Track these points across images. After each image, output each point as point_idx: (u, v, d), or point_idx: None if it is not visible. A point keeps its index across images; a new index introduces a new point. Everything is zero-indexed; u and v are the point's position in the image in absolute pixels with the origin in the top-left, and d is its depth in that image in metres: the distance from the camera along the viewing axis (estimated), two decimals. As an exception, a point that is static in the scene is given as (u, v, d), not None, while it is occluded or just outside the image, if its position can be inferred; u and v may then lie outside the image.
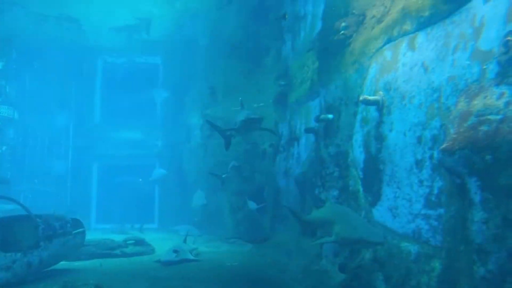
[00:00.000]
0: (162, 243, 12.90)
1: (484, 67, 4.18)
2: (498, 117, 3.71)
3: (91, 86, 21.43)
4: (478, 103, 4.03)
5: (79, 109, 20.87)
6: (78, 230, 9.46)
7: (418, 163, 5.32)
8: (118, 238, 12.25)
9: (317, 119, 7.92)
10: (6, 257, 7.35)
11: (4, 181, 16.21)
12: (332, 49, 7.93)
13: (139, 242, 12.02)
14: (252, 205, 12.03)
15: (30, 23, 16.30)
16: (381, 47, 6.55)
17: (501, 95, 3.80)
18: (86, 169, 20.72)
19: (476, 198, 3.83)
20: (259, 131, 9.85)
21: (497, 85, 3.91)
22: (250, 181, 13.89)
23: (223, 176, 12.28)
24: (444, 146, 4.18)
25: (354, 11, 7.66)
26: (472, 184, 3.87)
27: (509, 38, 3.81)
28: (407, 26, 5.81)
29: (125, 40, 18.37)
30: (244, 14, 14.79)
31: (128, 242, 11.84)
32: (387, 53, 6.34)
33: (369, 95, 6.49)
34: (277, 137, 10.87)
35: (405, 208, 5.55)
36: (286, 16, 10.74)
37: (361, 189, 6.90)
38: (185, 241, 11.02)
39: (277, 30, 13.16)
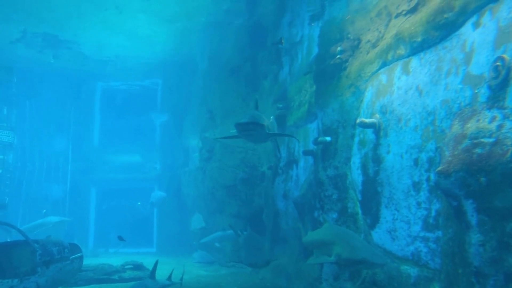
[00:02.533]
0: (161, 268, 12.73)
1: (476, 91, 4.29)
2: (491, 140, 3.79)
3: (90, 110, 21.60)
4: (471, 126, 4.11)
5: (78, 133, 20.97)
6: (75, 255, 9.38)
7: (416, 185, 5.37)
8: (116, 262, 12.11)
9: (315, 142, 7.99)
10: (2, 284, 7.26)
11: (2, 206, 16.11)
12: (329, 73, 8.09)
13: (137, 266, 11.88)
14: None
15: (30, 50, 16.56)
16: (376, 71, 6.70)
17: (493, 119, 3.89)
18: (85, 193, 20.65)
19: (473, 220, 3.87)
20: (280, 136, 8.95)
21: (489, 108, 4.01)
22: (248, 203, 13.84)
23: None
24: (440, 168, 4.23)
25: (349, 36, 7.85)
26: (468, 206, 3.91)
27: (498, 63, 3.93)
28: (401, 51, 5.96)
29: (124, 64, 18.62)
30: (242, 38, 15.07)
31: (126, 267, 11.70)
32: (382, 76, 6.47)
33: (366, 118, 6.60)
34: (297, 141, 10.54)
35: (403, 230, 5.56)
36: (283, 41, 10.96)
37: (360, 211, 6.91)
38: (152, 276, 9.05)
39: (274, 54, 13.39)
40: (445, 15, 4.95)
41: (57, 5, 13.19)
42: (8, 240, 10.11)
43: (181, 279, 9.17)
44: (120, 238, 9.62)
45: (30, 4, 13.14)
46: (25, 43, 16.03)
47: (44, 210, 17.25)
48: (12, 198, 17.72)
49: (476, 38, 4.42)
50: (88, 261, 11.53)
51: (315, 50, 9.66)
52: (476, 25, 4.47)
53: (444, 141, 4.61)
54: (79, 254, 9.53)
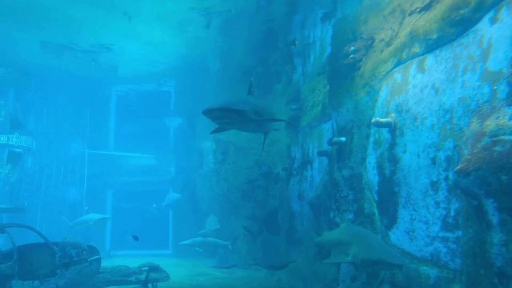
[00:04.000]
0: (177, 269, 12.85)
1: (495, 87, 4.21)
2: (512, 137, 3.71)
3: (105, 114, 21.90)
4: (490, 124, 4.03)
5: (94, 137, 21.27)
6: (93, 257, 9.50)
7: (434, 185, 5.29)
8: (132, 264, 12.23)
9: (330, 142, 7.95)
10: (23, 285, 7.41)
11: (21, 209, 16.43)
12: (342, 73, 8.04)
13: (153, 268, 11.97)
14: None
15: (47, 57, 16.88)
16: (391, 70, 6.63)
17: (513, 115, 3.81)
18: (101, 195, 20.92)
19: (494, 220, 3.79)
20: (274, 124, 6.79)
21: (509, 105, 3.93)
22: (263, 205, 13.84)
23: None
24: (458, 167, 4.16)
25: (362, 35, 7.79)
26: (489, 206, 3.83)
27: (518, 59, 3.85)
28: (416, 49, 5.89)
29: (138, 69, 18.83)
30: (254, 40, 15.09)
31: (143, 268, 11.80)
32: (397, 75, 6.41)
33: (381, 117, 6.54)
34: (295, 128, 10.13)
35: (422, 230, 5.48)
36: (296, 42, 10.93)
37: (376, 212, 6.84)
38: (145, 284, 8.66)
39: (287, 55, 13.37)
40: (461, 11, 4.88)
41: (73, 14, 13.44)
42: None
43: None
44: (135, 237, 9.69)
45: (47, 13, 13.41)
46: (43, 50, 16.36)
47: (87, 207, 17.79)
48: (31, 202, 18.05)
49: (494, 33, 4.34)
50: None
51: (328, 50, 9.61)
52: (493, 20, 4.39)
53: (462, 139, 4.53)
54: (97, 256, 9.65)
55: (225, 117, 5.47)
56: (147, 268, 12.01)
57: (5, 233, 8.06)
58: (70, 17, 13.67)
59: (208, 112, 5.40)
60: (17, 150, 17.61)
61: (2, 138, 17.35)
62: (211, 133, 6.82)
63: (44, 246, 8.37)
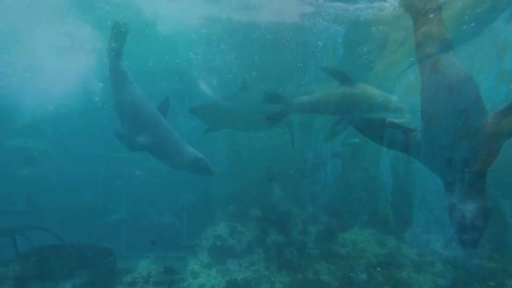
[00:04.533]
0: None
1: (511, 87, 4.14)
2: (530, 137, 3.65)
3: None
4: (507, 124, 3.97)
5: (108, 139, 21.51)
6: (109, 259, 9.61)
7: (449, 186, 5.20)
8: (147, 266, 12.31)
9: (344, 144, 7.92)
10: (41, 287, 7.53)
11: (38, 212, 16.72)
12: (356, 73, 8.00)
13: (168, 270, 12.03)
14: None
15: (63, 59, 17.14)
16: (404, 70, 6.58)
17: (531, 115, 3.74)
18: (116, 198, 21.13)
19: (512, 221, 3.73)
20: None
21: (526, 105, 3.86)
22: (276, 206, 13.80)
23: None
24: (475, 168, 4.10)
25: (375, 35, 7.74)
26: (507, 207, 3.77)
27: (535, 58, 3.79)
28: (430, 49, 5.82)
29: (150, 69, 18.95)
30: (266, 41, 15.08)
31: (159, 270, 11.87)
32: (411, 75, 6.35)
33: (395, 118, 6.48)
34: (290, 125, 9.98)
35: (438, 232, 5.41)
36: (308, 43, 10.93)
37: (391, 213, 6.78)
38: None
39: (300, 57, 13.34)
40: (476, 11, 4.82)
41: (85, 15, 13.66)
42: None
43: None
44: (153, 242, 9.84)
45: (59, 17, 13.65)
46: (57, 54, 16.60)
47: (111, 207, 18.18)
48: (48, 204, 18.33)
49: (510, 33, 4.28)
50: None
51: (341, 51, 9.57)
52: (509, 19, 4.32)
53: (478, 140, 4.47)
54: (112, 258, 9.77)
55: (211, 115, 4.59)
56: (162, 270, 12.09)
57: (23, 235, 8.22)
58: (83, 19, 13.89)
59: (193, 111, 4.95)
60: (34, 153, 17.91)
61: (19, 141, 17.67)
62: (205, 133, 6.56)
63: (61, 248, 8.51)
